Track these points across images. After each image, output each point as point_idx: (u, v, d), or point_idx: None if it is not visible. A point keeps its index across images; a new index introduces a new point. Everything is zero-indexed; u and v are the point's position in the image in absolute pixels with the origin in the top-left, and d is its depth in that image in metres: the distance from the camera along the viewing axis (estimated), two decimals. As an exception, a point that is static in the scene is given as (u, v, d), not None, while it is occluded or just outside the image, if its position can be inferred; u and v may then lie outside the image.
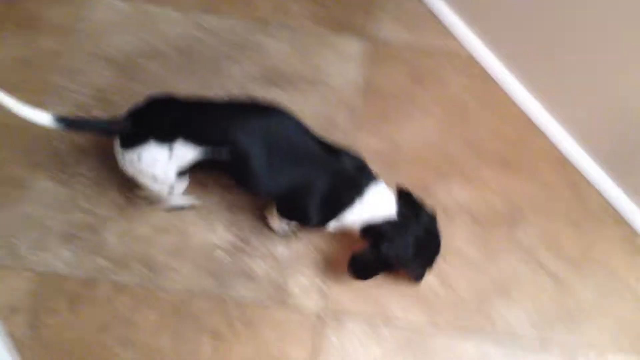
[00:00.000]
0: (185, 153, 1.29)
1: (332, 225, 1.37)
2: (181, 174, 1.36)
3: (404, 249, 1.35)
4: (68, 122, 1.30)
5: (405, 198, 1.38)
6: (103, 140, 1.59)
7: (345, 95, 1.74)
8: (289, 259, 1.53)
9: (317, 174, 1.32)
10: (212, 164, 1.33)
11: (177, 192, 1.43)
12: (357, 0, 1.89)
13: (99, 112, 1.65)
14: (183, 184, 1.42)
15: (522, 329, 1.50)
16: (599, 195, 1.66)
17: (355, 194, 1.33)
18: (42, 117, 1.27)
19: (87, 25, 1.79)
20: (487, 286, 1.55)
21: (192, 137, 1.27)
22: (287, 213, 1.42)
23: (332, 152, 1.35)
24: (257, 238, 1.55)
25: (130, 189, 1.53)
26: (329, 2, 1.89)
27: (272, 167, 1.29)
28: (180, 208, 1.56)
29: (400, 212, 1.35)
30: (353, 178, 1.34)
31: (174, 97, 1.36)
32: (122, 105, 1.65)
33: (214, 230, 1.54)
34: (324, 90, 1.71)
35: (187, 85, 1.70)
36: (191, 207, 1.56)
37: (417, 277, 1.45)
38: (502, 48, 1.76)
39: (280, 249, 1.54)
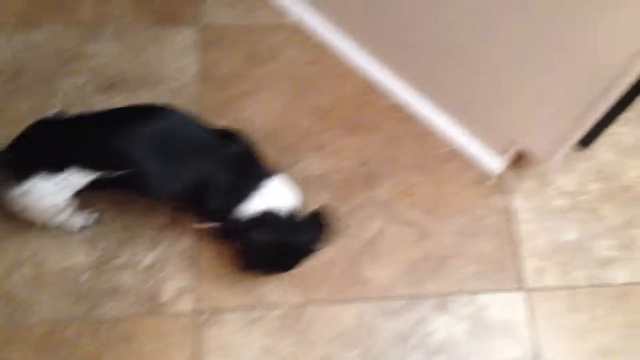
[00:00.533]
0: (73, 177, 1.24)
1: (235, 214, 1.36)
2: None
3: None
4: None
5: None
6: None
7: (185, 88, 1.71)
8: (158, 266, 1.51)
9: (213, 165, 1.31)
10: (105, 182, 1.28)
11: (67, 215, 1.38)
12: None
13: None
14: (72, 207, 1.38)
15: (394, 286, 1.54)
16: (442, 139, 1.71)
17: (253, 185, 1.34)
18: None
19: None
20: (356, 250, 1.58)
21: (85, 163, 1.23)
22: (197, 209, 1.41)
23: (223, 138, 1.35)
24: (123, 249, 1.52)
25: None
26: None
27: (168, 168, 1.26)
28: (82, 228, 1.50)
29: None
30: (249, 167, 1.35)
31: (54, 119, 1.30)
32: None
33: (76, 250, 1.50)
34: (166, 86, 1.69)
35: (26, 110, 1.63)
36: (93, 223, 1.51)
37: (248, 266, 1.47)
38: (329, 12, 1.77)
39: (149, 257, 1.51)
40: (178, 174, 1.28)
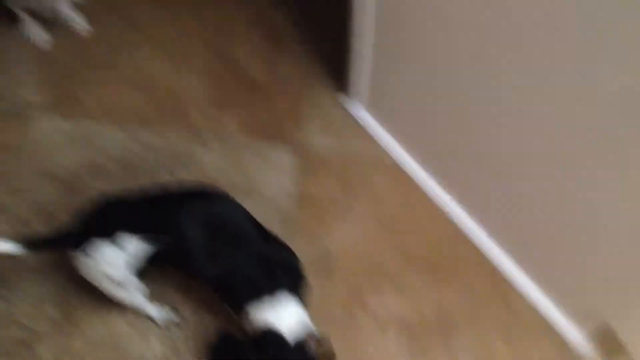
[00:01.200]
0: (134, 246, 1.34)
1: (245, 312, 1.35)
2: (137, 273, 1.39)
3: None
4: (34, 246, 1.39)
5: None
6: (47, 254, 1.65)
7: (278, 204, 1.83)
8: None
9: (248, 258, 1.34)
10: (160, 258, 1.36)
11: (137, 294, 1.46)
12: (285, 110, 2.01)
13: (41, 227, 1.71)
14: (141, 287, 1.46)
15: None
16: (529, 305, 1.67)
17: (267, 290, 1.33)
18: (9, 247, 1.37)
19: (31, 144, 1.88)
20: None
21: (137, 229, 1.33)
22: (224, 296, 1.43)
23: (269, 241, 1.39)
24: (191, 347, 1.57)
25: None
26: (258, 112, 2.00)
27: (209, 250, 1.33)
28: (163, 321, 1.58)
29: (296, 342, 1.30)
30: (274, 274, 1.35)
31: (119, 196, 1.42)
32: (64, 219, 1.70)
33: (148, 342, 1.57)
34: (258, 200, 1.80)
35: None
36: (172, 324, 1.58)
37: None
38: (425, 157, 1.84)
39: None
40: (216, 258, 1.34)
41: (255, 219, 1.41)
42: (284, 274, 1.35)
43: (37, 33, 2.05)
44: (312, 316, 1.32)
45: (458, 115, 1.60)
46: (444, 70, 1.55)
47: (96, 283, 1.41)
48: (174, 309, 1.60)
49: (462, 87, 1.52)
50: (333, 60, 2.10)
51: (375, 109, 1.94)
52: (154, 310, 1.57)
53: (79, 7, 2.08)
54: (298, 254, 1.39)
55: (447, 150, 1.74)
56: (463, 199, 1.77)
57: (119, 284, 1.40)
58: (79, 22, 2.08)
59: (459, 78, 1.51)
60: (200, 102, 2.00)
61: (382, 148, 1.94)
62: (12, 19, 2.04)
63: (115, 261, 1.35)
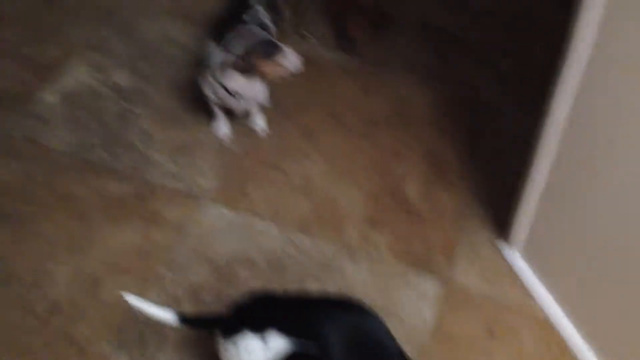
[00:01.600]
0: (278, 344, 1.38)
1: None
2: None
3: None
4: (188, 321, 1.52)
5: None
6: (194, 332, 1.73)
7: (415, 332, 1.80)
8: None
9: None
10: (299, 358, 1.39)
11: None
12: (438, 242, 2.01)
13: (188, 307, 1.81)
14: None
15: None
16: None
17: None
18: (168, 317, 1.50)
19: (197, 227, 2.03)
20: None
21: (284, 329, 1.38)
22: None
23: None
24: None
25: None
26: (411, 237, 2.02)
27: None
28: None
29: None
30: None
31: (272, 293, 1.50)
32: (209, 303, 1.83)
33: None
34: (396, 323, 1.76)
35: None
36: None
37: None
38: (585, 322, 1.73)
39: None
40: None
41: (396, 341, 1.40)
42: None
43: (223, 128, 2.25)
44: None
45: (630, 282, 1.52)
46: (620, 230, 1.50)
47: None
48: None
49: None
50: (495, 202, 2.09)
51: (534, 259, 1.87)
52: None
53: (262, 110, 2.26)
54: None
55: (612, 320, 1.63)
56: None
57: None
58: (260, 123, 2.25)
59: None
60: (357, 217, 2.05)
61: (536, 301, 1.85)
62: (206, 112, 2.26)
63: (256, 355, 1.38)
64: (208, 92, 2.09)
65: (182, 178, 2.14)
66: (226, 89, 2.01)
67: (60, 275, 1.89)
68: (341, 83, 2.47)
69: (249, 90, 2.04)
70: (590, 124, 1.50)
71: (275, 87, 2.35)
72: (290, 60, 1.93)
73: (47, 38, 2.61)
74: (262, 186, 2.13)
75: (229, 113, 2.23)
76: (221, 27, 2.11)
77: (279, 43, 1.93)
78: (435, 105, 2.39)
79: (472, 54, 2.54)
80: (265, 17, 2.18)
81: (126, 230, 2.00)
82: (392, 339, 1.40)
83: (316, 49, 2.59)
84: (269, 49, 1.92)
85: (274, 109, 2.34)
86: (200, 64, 2.17)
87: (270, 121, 2.31)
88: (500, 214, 2.04)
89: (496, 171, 2.18)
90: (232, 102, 2.09)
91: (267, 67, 1.96)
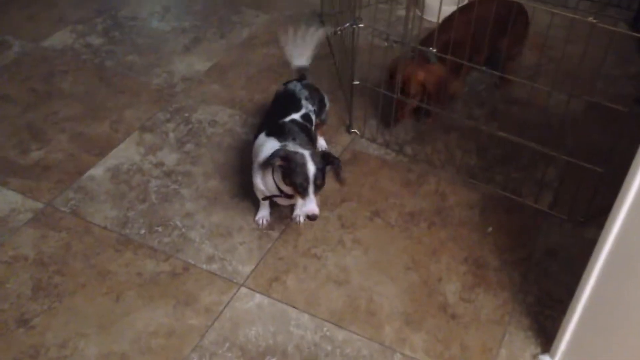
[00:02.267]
0: None
1: None
2: None
3: None
4: None
5: None
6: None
7: None
8: None
9: None
10: None
11: None
12: (476, 348, 1.93)
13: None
14: None
15: None
16: None
17: None
18: None
19: (230, 312, 2.00)
20: None
21: None
22: None
23: None
24: None
25: None
26: (449, 343, 1.94)
27: None
28: None
29: None
30: None
31: None
32: None
33: None
34: None
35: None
36: None
37: None
38: None
39: None
40: None
41: None
42: None
43: (265, 216, 2.27)
44: None
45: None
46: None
47: None
48: None
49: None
50: (536, 312, 2.02)
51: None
52: None
53: None
54: None
55: None
56: None
57: None
58: (302, 217, 2.25)
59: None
60: (393, 313, 2.00)
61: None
62: (250, 198, 2.30)
63: None
64: (258, 182, 2.13)
65: (220, 261, 2.14)
66: (277, 185, 2.05)
67: (89, 352, 1.86)
68: (384, 178, 2.48)
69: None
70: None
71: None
72: (305, 206, 1.93)
73: (103, 116, 2.72)
74: (299, 275, 2.11)
75: (271, 203, 2.26)
76: (270, 121, 2.21)
77: (310, 187, 1.91)
78: (476, 206, 2.38)
79: (516, 159, 2.55)
80: (311, 111, 2.28)
81: (159, 310, 1.98)
82: None
83: (362, 143, 2.64)
84: (296, 180, 1.91)
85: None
86: (253, 155, 2.21)
87: (310, 210, 2.33)
88: (543, 326, 1.98)
89: (537, 279, 2.12)
90: (279, 198, 2.12)
91: (284, 189, 2.01)
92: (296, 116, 2.20)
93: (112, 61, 3.06)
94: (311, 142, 2.22)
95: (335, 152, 2.58)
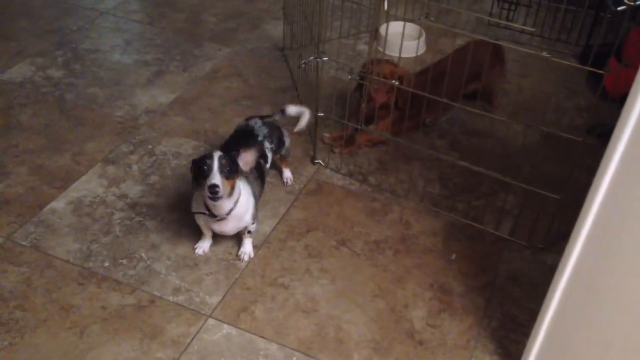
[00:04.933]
0: None
1: None
2: None
3: None
4: None
5: None
6: None
7: None
8: None
9: None
10: None
11: None
12: None
13: None
14: None
15: None
16: None
17: None
18: None
19: (198, 344, 1.98)
20: None
21: None
22: None
23: None
24: None
25: None
26: None
27: None
28: None
29: None
30: None
31: None
32: None
33: None
34: None
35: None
36: None
37: None
38: None
39: None
40: None
41: None
42: None
43: (204, 247, 2.29)
44: None
45: None
46: None
47: None
48: None
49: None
50: (501, 335, 2.07)
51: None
52: None
53: (251, 235, 2.28)
54: None
55: None
56: None
57: None
58: (246, 249, 2.28)
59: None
60: (361, 341, 2.00)
61: None
62: (197, 232, 2.29)
63: None
64: (193, 204, 2.16)
65: (187, 293, 2.12)
66: (203, 200, 2.07)
67: (52, 389, 1.81)
68: (349, 207, 2.52)
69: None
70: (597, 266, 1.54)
71: (287, 211, 2.41)
72: (210, 182, 1.93)
73: (64, 149, 2.69)
74: (267, 304, 2.10)
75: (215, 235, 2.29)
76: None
77: (214, 163, 1.93)
78: (440, 233, 2.43)
79: (476, 187, 2.62)
80: (268, 149, 2.35)
81: (125, 344, 1.94)
82: None
83: (327, 174, 2.67)
84: (202, 165, 1.95)
85: (283, 229, 2.38)
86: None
87: (278, 240, 2.34)
88: (507, 350, 2.02)
89: (501, 304, 2.17)
90: (210, 222, 2.14)
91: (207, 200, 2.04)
92: None
93: (73, 94, 3.04)
94: (261, 179, 2.27)
95: (300, 182, 2.61)
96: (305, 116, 2.52)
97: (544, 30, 3.61)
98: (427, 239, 2.40)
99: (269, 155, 2.35)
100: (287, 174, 2.61)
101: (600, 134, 2.83)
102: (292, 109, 2.50)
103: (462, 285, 2.23)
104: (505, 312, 2.14)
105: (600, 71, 2.00)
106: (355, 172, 2.68)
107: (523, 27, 2.46)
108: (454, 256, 2.33)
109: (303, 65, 2.57)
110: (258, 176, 2.23)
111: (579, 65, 2.33)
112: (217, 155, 1.96)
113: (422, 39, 3.42)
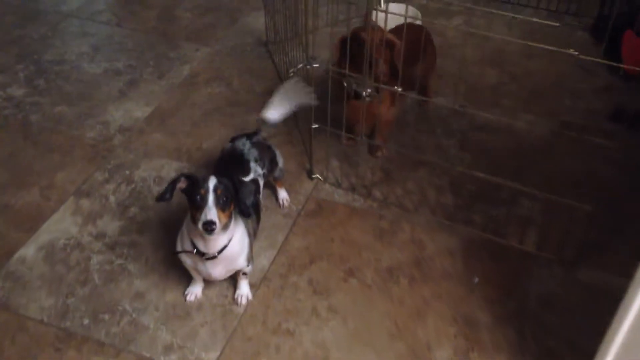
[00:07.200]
0: None
1: None
2: None
3: None
4: None
5: None
6: None
7: None
8: None
9: None
10: None
11: None
12: None
13: None
14: None
15: None
16: None
17: None
18: None
19: None
20: None
21: None
22: None
23: None
24: None
25: None
26: None
27: None
28: None
29: None
30: None
31: None
32: None
33: None
34: None
35: None
36: None
37: None
38: None
39: None
40: None
41: None
42: None
43: (196, 292, 2.03)
44: None
45: None
46: None
47: None
48: None
49: None
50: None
51: None
52: None
53: (247, 276, 2.01)
54: None
55: None
56: None
57: None
58: (242, 291, 2.01)
59: None
60: (382, 394, 1.77)
61: None
62: (187, 274, 2.01)
63: None
64: (177, 242, 1.89)
65: (179, 350, 1.86)
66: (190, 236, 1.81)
67: None
68: (354, 229, 2.25)
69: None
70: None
71: (286, 239, 2.16)
72: (206, 217, 1.67)
73: (30, 182, 2.40)
74: (271, 357, 1.85)
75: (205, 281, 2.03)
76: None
77: (210, 195, 1.67)
78: (457, 252, 2.17)
79: (493, 193, 2.36)
80: (260, 176, 2.05)
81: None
82: None
83: (327, 190, 2.40)
84: (195, 191, 1.70)
85: (283, 261, 2.12)
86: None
87: (278, 276, 2.07)
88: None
89: (535, 335, 1.92)
90: (195, 261, 1.86)
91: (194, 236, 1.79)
92: None
93: (38, 115, 2.74)
94: (257, 214, 2.00)
95: (298, 202, 2.34)
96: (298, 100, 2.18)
97: (550, 2, 3.32)
98: (445, 261, 2.14)
99: (261, 182, 2.07)
100: (283, 194, 2.34)
101: (626, 120, 2.57)
102: (272, 114, 2.14)
103: (489, 314, 1.98)
104: (541, 345, 1.89)
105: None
106: (358, 186, 2.40)
107: None
108: (476, 280, 2.08)
109: (292, 73, 2.27)
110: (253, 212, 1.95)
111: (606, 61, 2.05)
112: (212, 184, 1.68)
113: (418, 23, 3.13)
